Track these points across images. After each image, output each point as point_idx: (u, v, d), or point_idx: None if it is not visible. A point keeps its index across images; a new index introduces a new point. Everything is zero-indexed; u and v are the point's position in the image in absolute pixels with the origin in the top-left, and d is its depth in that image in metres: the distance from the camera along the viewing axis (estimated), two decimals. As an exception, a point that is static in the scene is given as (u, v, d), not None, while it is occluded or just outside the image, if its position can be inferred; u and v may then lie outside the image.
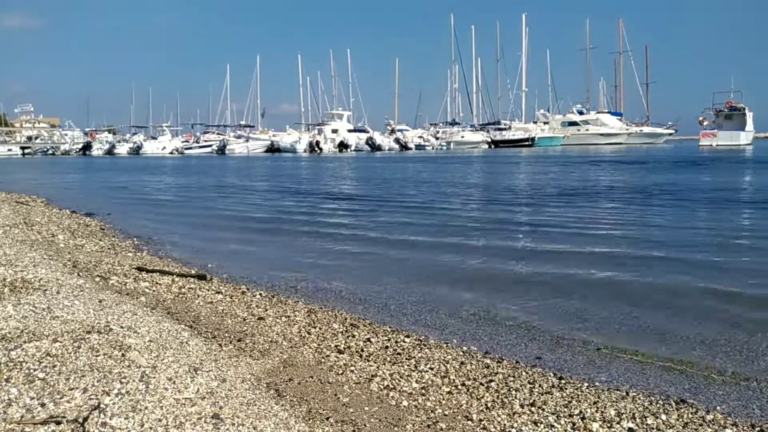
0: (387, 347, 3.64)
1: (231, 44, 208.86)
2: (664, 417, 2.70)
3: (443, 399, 2.85)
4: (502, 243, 7.31)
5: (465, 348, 3.70)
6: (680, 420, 2.68)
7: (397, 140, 68.35)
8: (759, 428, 2.63)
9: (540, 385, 3.07)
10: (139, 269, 5.53)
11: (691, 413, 2.75)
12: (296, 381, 2.91)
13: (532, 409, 2.77)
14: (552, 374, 3.26)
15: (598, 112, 73.05)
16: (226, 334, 3.61)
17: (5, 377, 2.32)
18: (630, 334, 3.95)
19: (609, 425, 2.62)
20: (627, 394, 2.98)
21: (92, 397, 2.22)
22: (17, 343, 2.71)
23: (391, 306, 4.70)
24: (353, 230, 8.70)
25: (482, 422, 2.60)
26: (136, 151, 69.46)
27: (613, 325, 4.14)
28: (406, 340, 3.81)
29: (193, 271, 5.71)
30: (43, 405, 2.13)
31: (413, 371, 3.22)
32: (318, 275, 5.71)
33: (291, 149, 63.49)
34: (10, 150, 67.59)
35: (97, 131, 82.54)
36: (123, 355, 2.69)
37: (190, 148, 72.08)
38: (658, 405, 2.84)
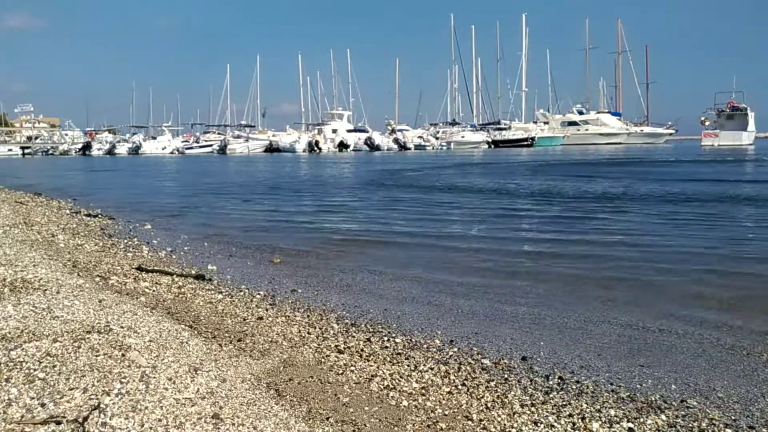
0: (387, 347, 3.64)
1: (231, 44, 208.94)
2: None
3: (443, 399, 2.85)
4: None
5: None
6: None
7: (396, 140, 68.32)
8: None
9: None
10: (139, 269, 5.53)
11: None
12: (296, 381, 2.91)
13: (532, 408, 2.78)
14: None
15: (598, 112, 73.07)
16: (226, 334, 3.61)
17: (5, 377, 2.32)
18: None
19: (609, 425, 2.62)
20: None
21: (92, 397, 2.22)
22: (17, 343, 2.72)
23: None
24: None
25: (482, 422, 2.60)
26: (136, 151, 69.44)
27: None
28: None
29: (193, 271, 5.71)
30: (43, 405, 2.13)
31: (413, 371, 3.22)
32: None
33: (290, 149, 63.54)
34: (10, 150, 67.65)
35: (97, 131, 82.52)
36: (123, 355, 2.69)
37: (191, 148, 72.08)
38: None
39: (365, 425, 2.48)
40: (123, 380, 2.39)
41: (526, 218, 9.80)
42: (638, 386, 3.11)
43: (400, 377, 3.10)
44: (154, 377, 2.47)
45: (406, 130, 73.87)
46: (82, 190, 17.73)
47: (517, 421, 2.63)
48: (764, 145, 50.07)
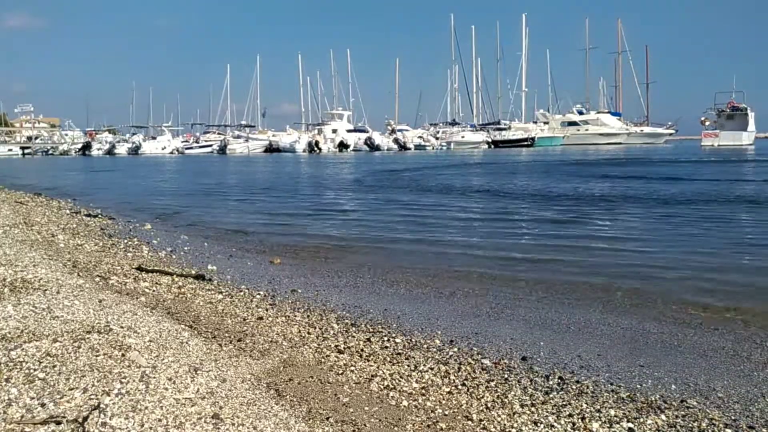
0: (387, 347, 3.64)
1: (231, 44, 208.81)
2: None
3: (443, 399, 2.85)
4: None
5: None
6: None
7: (396, 140, 68.31)
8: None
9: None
10: (139, 269, 5.53)
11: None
12: (296, 381, 2.90)
13: (532, 408, 2.78)
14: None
15: (598, 112, 73.11)
16: (226, 334, 3.61)
17: (5, 377, 2.32)
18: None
19: (609, 425, 2.62)
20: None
21: (92, 397, 2.22)
22: (17, 343, 2.72)
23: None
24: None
25: (482, 422, 2.60)
26: (135, 151, 69.40)
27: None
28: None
29: (193, 271, 5.71)
30: (43, 405, 2.13)
31: (413, 371, 3.22)
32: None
33: (290, 149, 63.57)
34: (10, 150, 67.68)
35: (97, 131, 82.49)
36: (123, 355, 2.69)
37: (191, 148, 72.09)
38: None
39: (365, 425, 2.48)
40: (123, 380, 2.39)
41: (526, 219, 9.80)
42: (638, 386, 3.11)
43: (400, 377, 3.10)
44: (154, 377, 2.47)
45: (406, 130, 73.81)
46: (82, 190, 17.76)
47: (517, 421, 2.63)
48: (764, 145, 50.08)
